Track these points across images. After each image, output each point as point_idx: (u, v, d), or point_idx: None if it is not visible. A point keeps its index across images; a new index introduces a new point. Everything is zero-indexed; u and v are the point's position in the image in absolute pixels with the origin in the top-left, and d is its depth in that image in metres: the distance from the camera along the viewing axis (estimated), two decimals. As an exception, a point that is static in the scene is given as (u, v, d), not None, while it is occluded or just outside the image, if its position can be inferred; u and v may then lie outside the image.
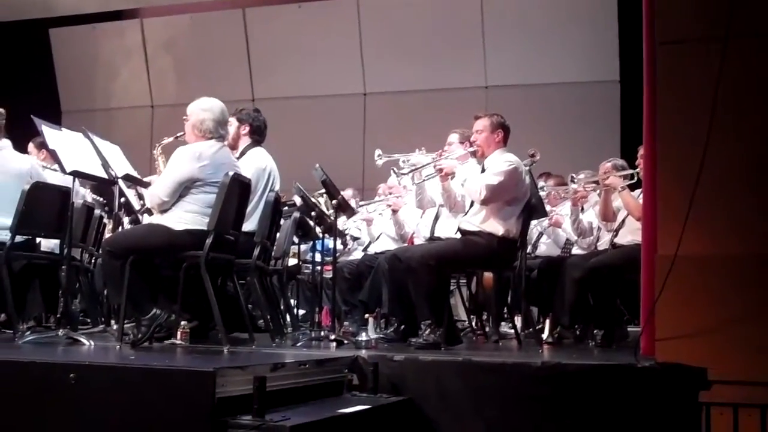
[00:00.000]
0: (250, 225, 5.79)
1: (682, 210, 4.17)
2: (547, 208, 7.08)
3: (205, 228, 5.12)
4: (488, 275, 6.79)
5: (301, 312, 8.04)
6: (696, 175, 4.17)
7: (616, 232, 6.41)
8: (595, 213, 6.92)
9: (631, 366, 4.25)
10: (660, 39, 4.49)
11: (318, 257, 7.43)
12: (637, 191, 6.19)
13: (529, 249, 7.22)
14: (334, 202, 6.23)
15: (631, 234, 6.18)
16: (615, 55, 11.18)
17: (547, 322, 6.75)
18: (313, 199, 6.81)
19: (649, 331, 4.35)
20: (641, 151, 5.90)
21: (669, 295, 4.18)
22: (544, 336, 6.50)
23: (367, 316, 6.64)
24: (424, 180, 6.47)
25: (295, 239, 7.23)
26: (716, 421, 4.03)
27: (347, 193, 7.11)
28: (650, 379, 4.16)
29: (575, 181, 6.82)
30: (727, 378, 4.05)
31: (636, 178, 6.31)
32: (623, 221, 6.37)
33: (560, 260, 7.02)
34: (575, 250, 7.27)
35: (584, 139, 10.85)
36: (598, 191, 6.77)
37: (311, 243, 7.89)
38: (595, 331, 6.17)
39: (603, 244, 6.79)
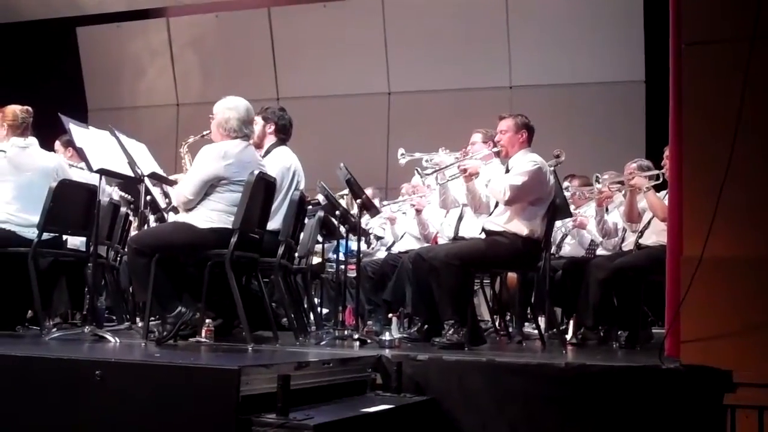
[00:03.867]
0: (274, 224, 5.81)
1: (708, 211, 4.15)
2: (572, 208, 7.06)
3: (230, 226, 5.14)
4: (512, 275, 6.78)
5: (325, 311, 8.06)
6: (722, 176, 4.14)
7: (641, 233, 6.38)
8: (619, 214, 6.90)
9: (656, 368, 4.23)
10: (686, 39, 4.47)
11: (341, 257, 7.44)
12: (663, 192, 6.15)
13: (553, 249, 7.22)
14: (358, 201, 6.23)
15: (656, 235, 6.15)
16: (641, 55, 11.12)
17: (571, 323, 6.73)
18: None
19: (674, 332, 4.32)
20: (667, 152, 5.85)
21: (694, 297, 4.16)
22: (568, 337, 6.49)
23: (390, 315, 6.64)
24: (448, 180, 6.46)
25: (319, 238, 7.25)
26: (741, 423, 4.00)
27: (368, 192, 7.10)
28: (675, 381, 4.14)
29: (600, 181, 6.80)
30: (753, 380, 4.02)
31: (661, 179, 6.28)
32: (648, 222, 6.34)
33: (584, 261, 6.99)
34: (600, 251, 7.24)
35: (609, 140, 10.80)
36: (623, 192, 6.75)
37: (335, 243, 7.89)
38: (619, 333, 6.14)
39: (628, 245, 6.76)
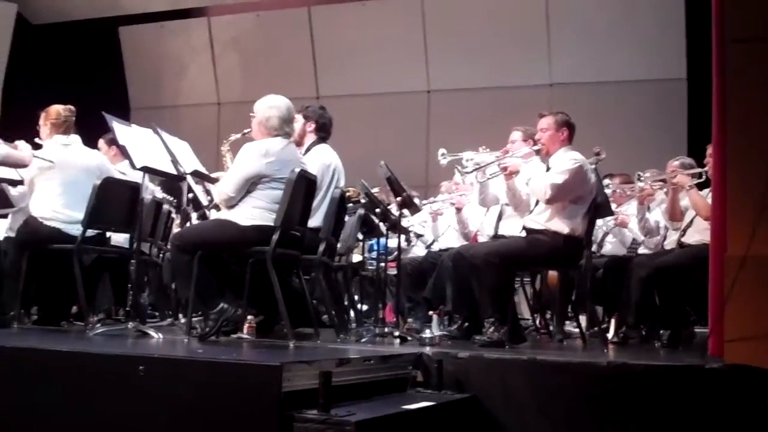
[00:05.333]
0: (315, 221, 5.83)
1: (753, 209, 4.11)
2: (613, 206, 7.01)
3: (271, 224, 5.16)
4: (553, 274, 6.76)
5: (364, 308, 8.07)
6: (766, 173, 4.10)
7: (684, 231, 6.32)
8: (661, 212, 6.84)
9: (699, 367, 4.19)
10: (731, 36, 4.43)
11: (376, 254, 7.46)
12: (706, 190, 6.10)
13: (594, 248, 7.17)
14: (398, 199, 6.24)
15: (698, 234, 6.09)
16: (682, 52, 11.03)
17: (613, 321, 6.69)
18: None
19: (718, 331, 4.29)
20: (710, 150, 5.81)
21: (738, 296, 4.12)
22: (609, 336, 6.45)
23: (430, 313, 6.64)
24: (488, 178, 6.44)
25: (360, 236, 7.27)
26: (786, 424, 3.97)
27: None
28: (718, 381, 4.10)
29: (642, 179, 6.75)
30: (798, 380, 3.98)
31: (704, 177, 6.22)
32: (691, 221, 6.28)
33: (626, 259, 6.94)
34: (641, 250, 7.19)
35: (651, 138, 10.71)
36: (664, 190, 6.70)
37: (370, 241, 7.91)
38: (661, 332, 6.09)
39: (670, 243, 6.70)
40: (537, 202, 5.87)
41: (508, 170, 5.96)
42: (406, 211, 6.67)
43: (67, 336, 5.54)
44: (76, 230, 5.78)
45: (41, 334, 5.54)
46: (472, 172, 6.45)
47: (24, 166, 6.00)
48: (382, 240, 7.31)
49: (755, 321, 4.13)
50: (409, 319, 7.54)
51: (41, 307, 6.42)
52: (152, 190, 7.25)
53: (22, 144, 6.00)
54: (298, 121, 6.13)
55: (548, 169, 5.87)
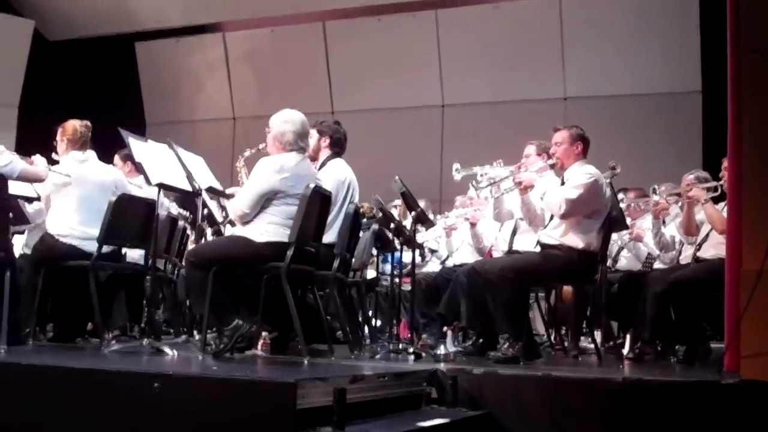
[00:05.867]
0: (329, 236, 5.83)
1: (768, 224, 4.10)
2: (627, 221, 6.99)
3: (286, 240, 5.17)
4: (567, 289, 6.74)
5: (378, 324, 8.06)
6: (782, 188, 4.09)
7: (699, 246, 6.30)
8: (676, 226, 6.81)
9: (716, 383, 4.18)
10: (746, 48, 4.42)
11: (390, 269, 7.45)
12: (721, 204, 6.08)
13: (609, 263, 7.14)
14: (413, 214, 6.23)
15: (714, 248, 6.06)
16: (697, 65, 10.99)
17: (628, 337, 6.65)
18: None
19: (734, 347, 4.27)
20: (725, 163, 5.78)
21: (755, 311, 4.10)
22: (625, 351, 6.41)
23: (445, 329, 6.62)
24: (503, 193, 6.44)
25: (374, 251, 7.26)
26: (803, 440, 3.94)
27: (422, 205, 7.10)
28: (735, 397, 4.08)
29: (657, 192, 6.73)
30: (815, 397, 3.96)
31: (720, 191, 6.19)
32: (707, 235, 6.25)
33: (641, 274, 6.91)
34: (657, 265, 7.16)
35: (665, 151, 10.68)
36: (679, 204, 6.67)
37: (384, 255, 7.90)
38: (677, 347, 6.06)
39: (685, 258, 6.67)
40: (551, 217, 5.86)
41: (523, 185, 5.95)
42: (420, 227, 6.66)
43: (82, 353, 5.56)
44: (91, 247, 5.79)
45: (56, 351, 5.56)
46: (486, 187, 6.45)
47: (40, 180, 6.03)
48: (398, 254, 7.30)
49: (772, 336, 4.11)
50: (424, 335, 7.52)
51: (57, 323, 6.44)
52: (167, 206, 7.28)
53: (38, 159, 6.04)
54: (313, 136, 6.14)
55: (563, 183, 5.87)
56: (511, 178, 6.12)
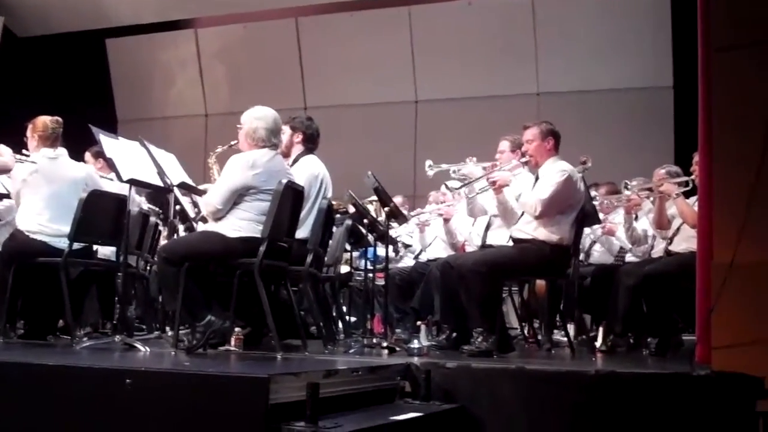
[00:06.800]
0: (302, 232, 5.82)
1: (739, 217, 4.12)
2: (600, 216, 7.02)
3: (258, 235, 5.15)
4: (540, 283, 6.76)
5: (353, 319, 8.06)
6: (752, 181, 4.12)
7: (671, 239, 6.34)
8: (648, 221, 6.86)
9: (687, 375, 4.21)
10: (716, 45, 4.45)
11: (368, 264, 7.45)
12: (692, 198, 6.12)
13: (582, 257, 7.18)
14: (386, 209, 6.24)
15: (685, 242, 6.11)
16: (668, 61, 11.06)
17: (601, 330, 6.69)
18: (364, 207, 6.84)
19: (705, 339, 4.30)
20: (696, 158, 5.82)
21: (725, 303, 4.13)
22: (597, 344, 6.45)
23: (418, 323, 6.64)
24: (477, 193, 6.44)
25: (347, 247, 7.26)
26: (774, 431, 3.98)
27: (397, 200, 7.11)
28: (706, 388, 4.11)
29: (629, 187, 6.76)
30: (785, 387, 3.99)
31: (691, 185, 6.24)
32: (678, 229, 6.30)
33: (614, 268, 6.96)
34: (629, 258, 7.20)
35: (638, 146, 10.73)
36: (651, 198, 6.71)
37: (362, 250, 7.91)
38: (649, 340, 6.11)
39: (657, 252, 6.72)
40: (523, 213, 5.87)
41: (497, 184, 5.96)
42: (393, 222, 6.66)
43: (53, 350, 5.51)
44: (62, 243, 5.74)
45: (27, 348, 5.50)
46: (460, 188, 6.46)
47: (8, 170, 5.96)
48: (372, 250, 7.30)
49: (742, 328, 4.14)
50: (398, 330, 7.53)
51: (27, 321, 6.38)
52: (139, 202, 7.23)
53: (2, 148, 5.97)
54: (286, 132, 6.13)
55: (537, 179, 5.88)
56: (485, 178, 6.13)
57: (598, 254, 7.74)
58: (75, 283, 6.09)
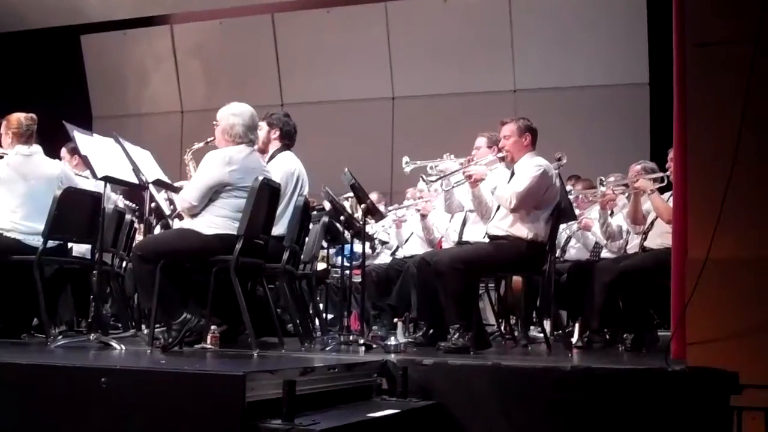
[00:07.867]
0: (279, 229, 5.81)
1: (713, 213, 4.15)
2: (576, 212, 7.05)
3: (234, 232, 5.14)
4: (517, 279, 6.78)
5: (329, 316, 8.05)
6: (727, 177, 4.14)
7: (645, 235, 6.37)
8: (624, 216, 6.88)
9: (662, 370, 4.23)
10: (691, 41, 4.47)
11: (344, 261, 7.45)
12: (667, 194, 6.15)
13: (558, 253, 7.20)
14: (362, 206, 6.23)
15: (660, 237, 6.14)
16: (644, 57, 11.13)
17: (577, 326, 6.72)
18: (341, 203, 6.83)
19: (680, 334, 4.33)
20: (671, 154, 5.86)
21: (700, 299, 4.16)
22: (574, 340, 6.47)
23: (395, 320, 6.63)
24: (453, 187, 6.45)
25: (324, 243, 7.25)
26: (748, 425, 4.00)
27: (373, 197, 7.10)
28: (681, 383, 4.14)
29: (604, 183, 6.78)
30: (759, 382, 4.02)
31: (666, 181, 6.27)
32: (652, 224, 6.33)
33: (589, 264, 6.98)
34: (604, 254, 7.23)
35: (614, 142, 10.80)
36: (626, 194, 6.74)
37: (338, 247, 7.90)
38: (624, 335, 6.13)
39: (632, 247, 6.75)
40: (498, 208, 5.88)
41: (473, 178, 5.97)
42: (370, 219, 6.66)
43: (27, 348, 5.46)
44: (36, 241, 5.69)
45: (1, 347, 5.44)
46: (436, 181, 6.46)
47: None
48: (350, 246, 7.30)
49: (717, 323, 4.16)
50: (374, 327, 7.53)
51: (1, 319, 6.31)
52: (114, 199, 7.19)
53: None
54: (262, 128, 6.12)
55: (513, 174, 5.89)
56: (461, 172, 6.14)
57: (575, 251, 7.77)
58: (49, 281, 6.03)
